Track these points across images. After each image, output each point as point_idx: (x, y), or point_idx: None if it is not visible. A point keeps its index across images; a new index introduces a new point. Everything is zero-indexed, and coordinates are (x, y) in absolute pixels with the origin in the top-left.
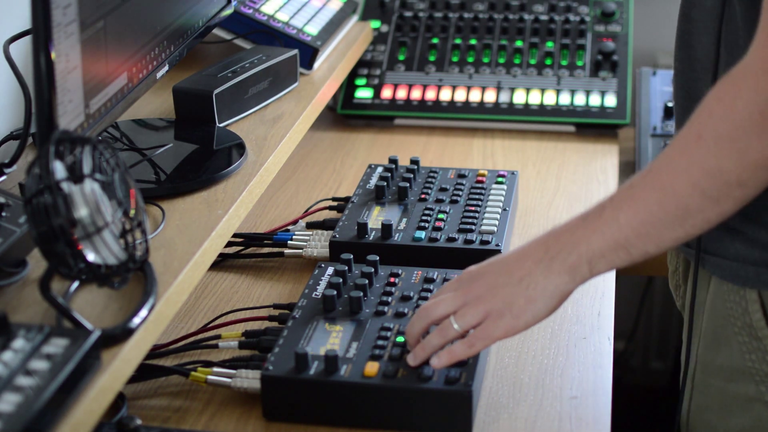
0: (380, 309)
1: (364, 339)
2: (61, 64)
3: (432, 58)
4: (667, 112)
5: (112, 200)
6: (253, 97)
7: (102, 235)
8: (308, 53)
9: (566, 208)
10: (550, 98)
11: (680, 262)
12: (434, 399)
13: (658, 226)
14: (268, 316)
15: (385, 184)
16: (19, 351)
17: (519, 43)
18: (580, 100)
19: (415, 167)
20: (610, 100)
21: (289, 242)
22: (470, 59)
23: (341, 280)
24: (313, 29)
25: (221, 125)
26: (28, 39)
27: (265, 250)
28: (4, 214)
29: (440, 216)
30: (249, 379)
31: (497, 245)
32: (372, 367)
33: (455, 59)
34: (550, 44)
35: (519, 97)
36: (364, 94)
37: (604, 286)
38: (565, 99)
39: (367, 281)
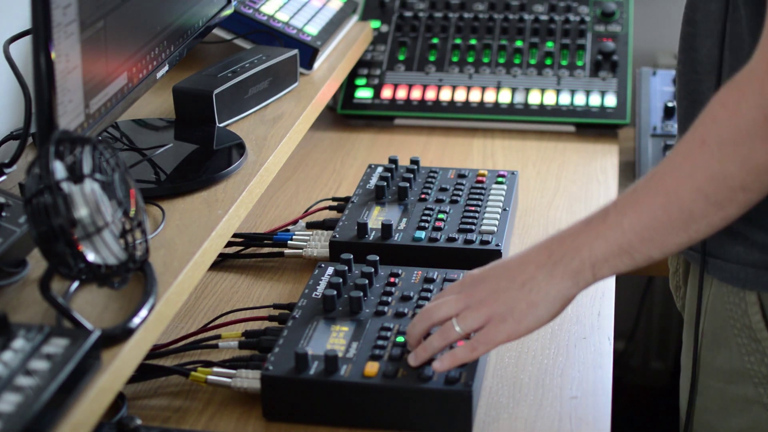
0: (380, 309)
1: (364, 339)
2: (61, 64)
3: (432, 58)
4: (667, 112)
5: (112, 200)
6: (253, 97)
7: (102, 235)
8: (308, 53)
9: (566, 208)
10: (550, 98)
11: (680, 263)
12: (434, 399)
13: (662, 231)
14: (268, 316)
15: (385, 184)
16: (19, 351)
17: (519, 43)
18: (580, 100)
19: (415, 167)
20: (610, 100)
21: (289, 242)
22: (470, 59)
23: (341, 280)
24: (313, 29)
25: (221, 125)
26: (28, 39)
27: (265, 250)
28: (4, 214)
29: (440, 216)
30: (249, 379)
31: (497, 245)
32: (372, 367)
33: (455, 59)
34: (550, 44)
35: (519, 97)
36: (364, 94)
37: (604, 286)
38: (565, 99)
39: (367, 281)
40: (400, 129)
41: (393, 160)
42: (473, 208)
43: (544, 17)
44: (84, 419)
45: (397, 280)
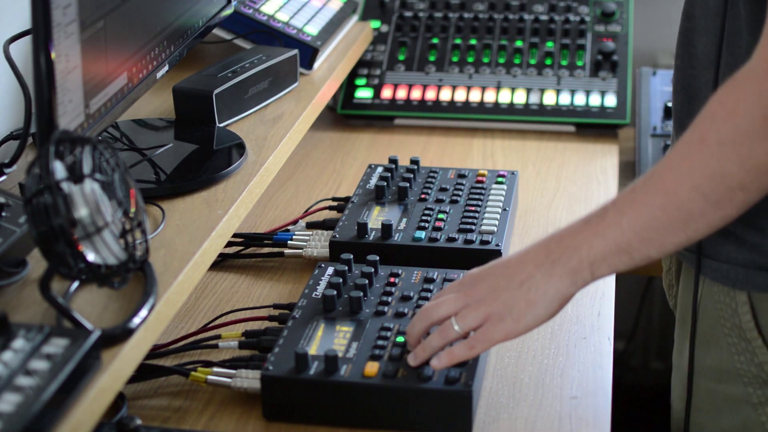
0: (380, 309)
1: (364, 339)
2: (61, 64)
3: (432, 58)
4: (667, 112)
5: (112, 200)
6: (253, 97)
7: (102, 235)
8: (308, 53)
9: (566, 208)
10: (550, 98)
11: (673, 262)
12: (434, 399)
13: (661, 230)
14: (268, 316)
15: (385, 184)
16: (19, 351)
17: (519, 43)
18: (580, 100)
19: (415, 167)
20: (610, 100)
21: (289, 242)
22: (470, 59)
23: (341, 280)
24: (313, 29)
25: (221, 125)
26: (28, 39)
27: (265, 250)
28: (4, 214)
29: (440, 216)
30: (249, 379)
31: (497, 245)
32: (372, 367)
33: (455, 59)
34: (550, 44)
35: (519, 97)
36: (364, 94)
37: (604, 286)
38: (565, 99)
39: (367, 281)
40: (400, 129)
41: (393, 160)
42: (473, 208)
43: (544, 17)
44: (84, 419)
45: (397, 280)
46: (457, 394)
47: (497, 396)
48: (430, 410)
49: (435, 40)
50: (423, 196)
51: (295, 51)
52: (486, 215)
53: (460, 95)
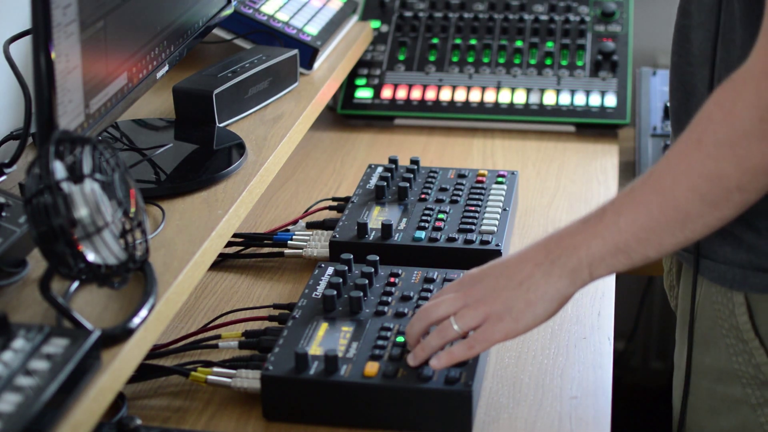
0: (380, 309)
1: (364, 339)
2: (61, 64)
3: (432, 58)
4: (667, 112)
5: (112, 200)
6: (253, 97)
7: (102, 235)
8: (308, 53)
9: (566, 208)
10: (550, 98)
11: (674, 262)
12: (434, 399)
13: (659, 230)
14: (268, 316)
15: (385, 184)
16: (19, 351)
17: (519, 43)
18: (580, 100)
19: (415, 167)
20: (610, 100)
21: (289, 242)
22: (470, 59)
23: (341, 280)
24: (313, 29)
25: (221, 125)
26: (28, 39)
27: (265, 250)
28: (4, 214)
29: (440, 216)
30: (249, 379)
31: (497, 245)
32: (372, 367)
33: (455, 59)
34: (550, 44)
35: (519, 97)
36: (364, 94)
37: (604, 286)
38: (565, 99)
39: (367, 281)
40: (400, 129)
41: (393, 160)
42: (473, 208)
43: (544, 17)
44: (84, 419)
45: (397, 280)
46: (457, 394)
47: (497, 396)
48: (430, 410)
49: (435, 40)
50: (423, 196)
51: (295, 51)
52: (486, 215)
53: (460, 95)
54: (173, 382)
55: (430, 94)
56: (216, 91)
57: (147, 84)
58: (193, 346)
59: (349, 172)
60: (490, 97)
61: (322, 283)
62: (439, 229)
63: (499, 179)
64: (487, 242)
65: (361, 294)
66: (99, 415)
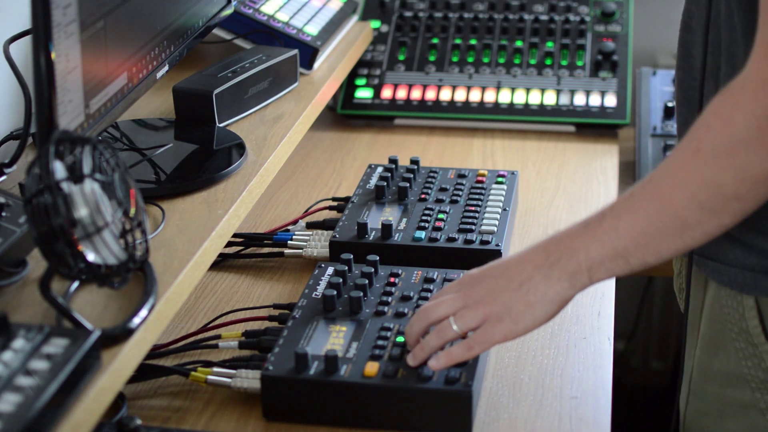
0: (380, 309)
1: (364, 339)
2: (61, 64)
3: (432, 58)
4: (667, 112)
5: (112, 200)
6: (253, 97)
7: (102, 235)
8: (308, 53)
9: (566, 208)
10: (550, 98)
11: (683, 265)
12: (434, 399)
13: (657, 236)
14: (268, 316)
15: (385, 184)
16: (19, 351)
17: (519, 43)
18: (580, 100)
19: (415, 167)
20: (610, 100)
21: (289, 242)
22: (470, 59)
23: (341, 280)
24: (313, 29)
25: (221, 125)
26: (28, 39)
27: (265, 250)
28: (4, 214)
29: (440, 216)
30: (249, 379)
31: (497, 245)
32: (372, 367)
33: (455, 59)
34: (550, 44)
35: (519, 97)
36: (364, 94)
37: (604, 286)
38: (565, 99)
39: (367, 281)
40: (400, 129)
41: (393, 160)
42: (473, 208)
43: (544, 17)
44: (84, 419)
45: (397, 280)
46: (457, 394)
47: (497, 396)
48: (430, 410)
49: (435, 40)
50: (423, 196)
51: (295, 51)
52: (486, 215)
53: (460, 95)
54: (173, 382)
55: (430, 94)
56: (216, 91)
57: (147, 84)
58: (193, 346)
59: (349, 172)
60: (490, 97)
61: (322, 283)
62: (439, 229)
63: (499, 179)
64: (487, 242)
65: (361, 294)
66: (99, 415)
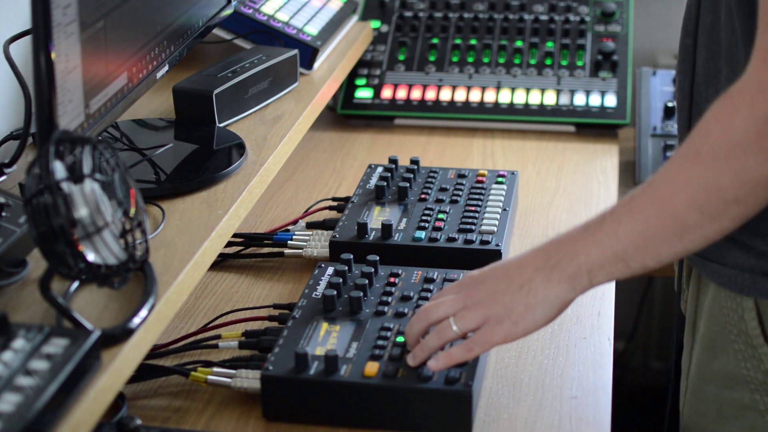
0: (380, 309)
1: (364, 339)
2: (61, 64)
3: (432, 58)
4: (667, 112)
5: (112, 200)
6: (253, 97)
7: (102, 235)
8: (308, 53)
9: (566, 208)
10: (550, 98)
11: (684, 266)
12: (434, 399)
13: (656, 240)
14: (268, 316)
15: (385, 184)
16: (19, 351)
17: (519, 43)
18: (580, 100)
19: (415, 167)
20: (610, 100)
21: (289, 242)
22: (470, 59)
23: (341, 280)
24: (313, 29)
25: (221, 125)
26: (28, 39)
27: (265, 250)
28: (4, 214)
29: (440, 216)
30: (249, 379)
31: (497, 245)
32: (372, 367)
33: (455, 59)
34: (550, 44)
35: (519, 97)
36: (364, 94)
37: (604, 287)
38: (565, 99)
39: (367, 281)
40: (400, 129)
41: (393, 160)
42: (473, 208)
43: (544, 17)
44: (84, 419)
45: (397, 280)
46: (457, 394)
47: (497, 396)
48: (430, 410)
49: (435, 40)
50: (423, 196)
51: (295, 51)
52: (486, 215)
53: (460, 95)
54: (173, 382)
55: (430, 94)
56: (216, 91)
57: (147, 84)
58: (193, 346)
59: (349, 172)
60: (490, 97)
61: (322, 283)
62: (439, 229)
63: (499, 179)
64: (487, 242)
65: (361, 294)
66: (99, 415)
